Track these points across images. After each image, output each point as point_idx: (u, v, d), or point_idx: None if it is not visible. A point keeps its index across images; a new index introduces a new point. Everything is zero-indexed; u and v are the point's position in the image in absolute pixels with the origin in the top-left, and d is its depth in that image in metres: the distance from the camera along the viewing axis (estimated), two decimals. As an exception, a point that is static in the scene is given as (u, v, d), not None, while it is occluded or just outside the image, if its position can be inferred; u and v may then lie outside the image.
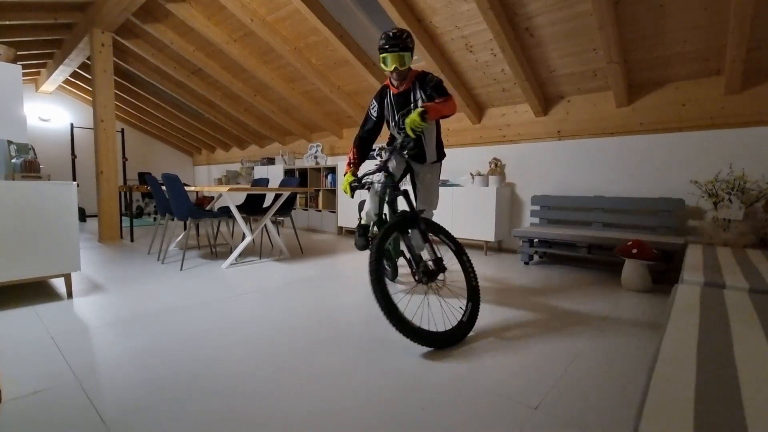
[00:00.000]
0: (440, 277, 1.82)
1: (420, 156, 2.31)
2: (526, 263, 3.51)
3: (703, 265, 1.84)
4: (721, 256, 2.09)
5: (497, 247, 4.24)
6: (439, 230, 1.93)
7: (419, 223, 1.83)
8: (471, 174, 4.21)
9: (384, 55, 2.03)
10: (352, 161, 2.32)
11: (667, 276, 2.82)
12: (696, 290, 1.42)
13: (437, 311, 2.09)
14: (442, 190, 4.21)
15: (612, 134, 3.45)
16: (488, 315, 2.07)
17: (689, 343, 0.91)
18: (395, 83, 2.18)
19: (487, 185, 4.01)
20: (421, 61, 3.84)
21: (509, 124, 4.07)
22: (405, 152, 2.00)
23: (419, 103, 2.13)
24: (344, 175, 2.24)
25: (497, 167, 4.14)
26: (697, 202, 3.06)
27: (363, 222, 2.38)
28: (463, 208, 4.07)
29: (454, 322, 1.89)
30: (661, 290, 2.62)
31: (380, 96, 2.29)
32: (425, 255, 1.86)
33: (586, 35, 2.98)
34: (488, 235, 3.88)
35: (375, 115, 2.32)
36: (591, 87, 3.48)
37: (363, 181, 2.16)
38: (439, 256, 1.79)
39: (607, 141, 3.50)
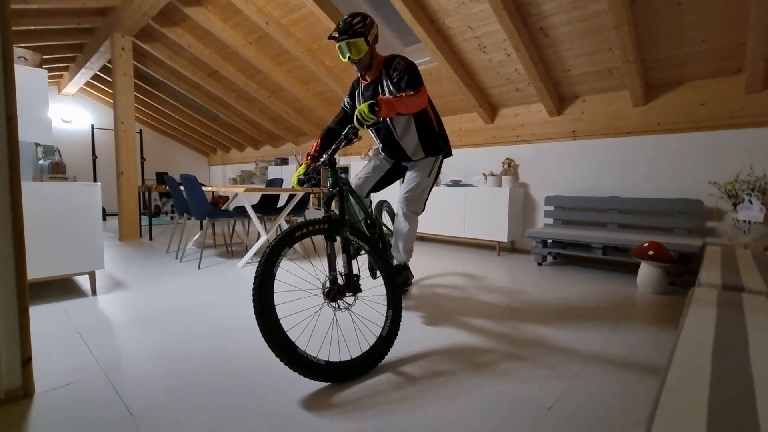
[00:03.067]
0: (349, 299, 1.54)
1: (401, 154, 2.15)
2: (540, 264, 3.49)
3: (721, 268, 1.81)
4: (740, 258, 2.05)
5: (510, 248, 4.22)
6: (366, 241, 1.64)
7: (343, 230, 1.56)
8: (484, 174, 4.21)
9: (337, 45, 1.86)
10: (311, 153, 2.09)
11: (685, 279, 2.78)
12: (713, 293, 1.40)
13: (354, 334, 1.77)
14: (455, 191, 4.22)
15: (628, 134, 3.41)
16: (500, 315, 2.08)
17: (704, 348, 0.92)
18: (363, 73, 2.00)
19: (500, 185, 3.99)
20: (434, 61, 3.85)
21: (523, 124, 4.05)
22: (345, 142, 1.64)
23: (386, 91, 1.95)
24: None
25: (510, 167, 4.13)
26: (716, 203, 3.00)
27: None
28: (476, 208, 4.06)
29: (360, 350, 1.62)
30: (677, 293, 2.58)
31: (352, 88, 2.14)
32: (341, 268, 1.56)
33: (602, 34, 2.95)
34: (501, 235, 3.87)
35: (347, 106, 2.18)
36: (607, 86, 3.44)
37: (308, 175, 1.91)
38: (354, 273, 1.53)
39: (623, 141, 3.45)
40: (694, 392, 0.71)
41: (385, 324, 1.55)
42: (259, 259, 1.33)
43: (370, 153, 5.34)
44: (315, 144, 2.13)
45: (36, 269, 2.13)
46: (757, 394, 0.71)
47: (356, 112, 1.51)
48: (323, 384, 1.35)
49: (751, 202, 2.65)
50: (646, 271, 2.60)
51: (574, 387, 1.34)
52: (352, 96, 2.15)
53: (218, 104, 6.64)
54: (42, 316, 2.00)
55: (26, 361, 1.26)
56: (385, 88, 1.96)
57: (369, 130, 2.17)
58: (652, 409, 0.67)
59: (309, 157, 2.08)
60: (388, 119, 2.05)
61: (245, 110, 6.32)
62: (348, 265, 1.53)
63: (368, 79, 2.01)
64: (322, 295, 1.48)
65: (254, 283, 1.29)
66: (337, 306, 1.49)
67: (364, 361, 1.43)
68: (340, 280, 1.52)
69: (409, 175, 2.19)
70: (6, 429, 1.09)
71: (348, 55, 1.86)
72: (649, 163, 3.32)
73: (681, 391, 0.72)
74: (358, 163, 5.42)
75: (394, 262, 2.24)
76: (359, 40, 1.83)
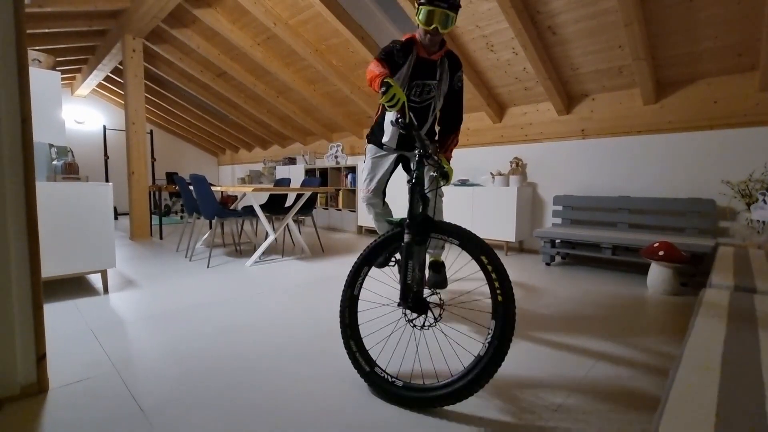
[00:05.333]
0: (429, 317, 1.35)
1: (409, 143, 2.00)
2: (548, 264, 3.46)
3: (733, 269, 1.78)
4: (753, 259, 2.02)
5: (518, 248, 4.20)
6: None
7: (431, 230, 1.32)
8: (491, 174, 4.18)
9: (429, 8, 1.64)
10: (384, 71, 1.53)
11: (696, 279, 2.74)
12: (725, 294, 1.38)
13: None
14: (462, 190, 4.21)
15: (639, 133, 3.37)
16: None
17: (714, 349, 0.90)
18: (426, 46, 1.81)
19: (508, 185, 3.97)
20: (441, 60, 3.83)
21: (531, 123, 4.02)
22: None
23: (443, 84, 1.88)
24: (384, 81, 1.39)
25: (518, 167, 4.10)
26: (729, 202, 2.95)
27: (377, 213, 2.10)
28: (484, 208, 4.04)
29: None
30: (689, 294, 2.54)
31: (405, 48, 1.80)
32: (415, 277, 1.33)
33: (611, 32, 2.92)
34: (509, 235, 3.85)
35: (400, 60, 1.79)
36: (617, 84, 3.40)
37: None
38: (433, 291, 1.40)
39: (633, 140, 3.41)
40: (702, 393, 0.71)
41: (487, 339, 1.19)
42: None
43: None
44: (380, 65, 1.59)
45: (50, 267, 2.17)
46: (767, 395, 0.70)
47: (445, 168, 1.52)
48: (326, 385, 1.36)
49: (765, 202, 2.60)
50: (656, 271, 2.57)
51: (582, 388, 1.34)
52: (391, 58, 1.75)
53: (227, 105, 6.70)
54: (56, 314, 2.04)
55: (41, 357, 1.28)
56: (443, 82, 1.89)
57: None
58: (660, 409, 0.67)
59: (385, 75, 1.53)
60: (432, 103, 1.93)
61: (253, 110, 6.37)
62: (410, 273, 1.30)
63: (433, 58, 1.85)
64: (402, 311, 1.32)
65: (341, 319, 1.27)
66: (422, 324, 1.31)
67: (459, 385, 1.15)
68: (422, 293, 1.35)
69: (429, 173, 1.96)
70: (22, 423, 1.12)
71: (435, 25, 1.67)
72: (660, 162, 3.27)
73: (689, 392, 0.71)
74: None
75: (430, 259, 2.14)
76: (455, 15, 1.69)
